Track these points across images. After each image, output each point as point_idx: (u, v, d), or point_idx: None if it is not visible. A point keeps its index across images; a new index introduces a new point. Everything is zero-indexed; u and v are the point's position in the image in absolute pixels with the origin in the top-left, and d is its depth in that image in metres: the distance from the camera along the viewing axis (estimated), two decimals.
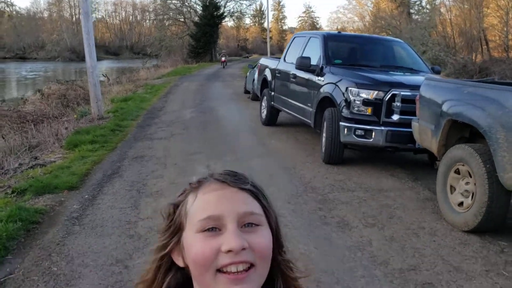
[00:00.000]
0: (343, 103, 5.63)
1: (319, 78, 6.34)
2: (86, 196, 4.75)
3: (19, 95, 21.70)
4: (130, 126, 8.81)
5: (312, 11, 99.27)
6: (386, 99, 5.37)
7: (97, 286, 2.93)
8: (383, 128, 5.39)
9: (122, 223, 3.98)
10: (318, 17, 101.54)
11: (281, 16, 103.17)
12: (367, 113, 5.47)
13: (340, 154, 5.91)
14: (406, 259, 3.38)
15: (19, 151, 7.48)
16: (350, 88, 5.56)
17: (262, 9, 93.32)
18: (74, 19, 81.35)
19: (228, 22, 57.41)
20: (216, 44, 47.08)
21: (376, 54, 6.94)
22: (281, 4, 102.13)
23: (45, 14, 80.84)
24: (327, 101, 6.04)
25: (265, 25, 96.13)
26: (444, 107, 4.18)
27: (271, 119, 8.71)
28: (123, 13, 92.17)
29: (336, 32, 7.75)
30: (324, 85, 6.15)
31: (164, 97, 14.42)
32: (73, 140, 7.29)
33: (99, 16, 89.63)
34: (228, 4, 52.13)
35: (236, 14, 52.80)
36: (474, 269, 3.25)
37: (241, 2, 51.75)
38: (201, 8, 47.39)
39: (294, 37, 8.12)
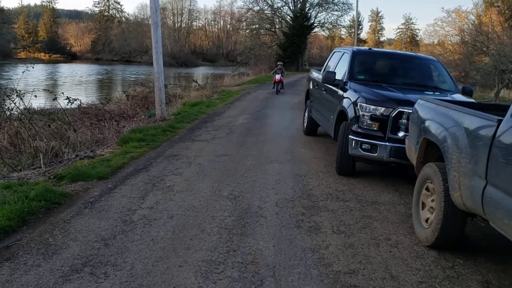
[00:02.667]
0: (354, 117, 5.88)
1: (342, 92, 6.61)
2: (110, 186, 5.50)
3: (115, 94, 23.92)
4: (183, 128, 9.62)
5: (412, 23, 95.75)
6: (393, 115, 5.54)
7: (75, 256, 3.58)
8: (387, 143, 5.56)
9: (123, 210, 4.64)
10: (418, 29, 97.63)
11: (379, 27, 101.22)
12: (374, 128, 5.67)
13: (350, 166, 6.14)
14: (351, 264, 3.64)
15: (84, 144, 8.58)
16: (359, 103, 5.80)
17: (359, 19, 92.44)
18: (176, 26, 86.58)
19: (321, 32, 57.40)
20: (304, 54, 47.62)
21: (402, 72, 7.04)
22: (379, 15, 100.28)
23: (150, 21, 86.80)
24: (343, 115, 6.31)
25: (361, 35, 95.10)
26: (423, 126, 4.33)
27: (311, 129, 9.04)
28: (222, 22, 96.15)
29: (367, 48, 7.91)
30: (343, 99, 6.41)
31: (231, 103, 15.23)
32: (125, 137, 8.20)
33: (200, 25, 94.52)
34: (319, 14, 52.58)
35: (326, 24, 52.98)
36: (410, 279, 3.43)
37: (333, 12, 51.71)
38: (291, 19, 48.26)
39: (334, 52, 8.40)
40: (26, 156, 7.56)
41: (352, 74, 6.74)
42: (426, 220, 4.10)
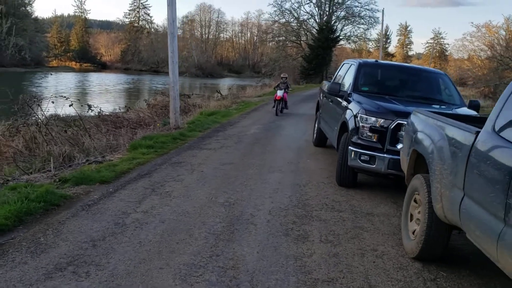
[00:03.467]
0: (354, 129, 5.89)
1: (345, 103, 6.64)
2: (110, 190, 5.65)
3: (138, 103, 24.41)
4: (194, 137, 9.77)
5: (441, 38, 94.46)
6: (392, 127, 5.54)
7: (61, 255, 3.70)
8: (385, 155, 5.55)
9: (118, 213, 4.77)
10: (447, 44, 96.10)
11: (407, 41, 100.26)
12: (373, 140, 5.67)
13: (351, 178, 6.14)
14: (331, 272, 3.65)
15: (97, 150, 8.81)
16: (360, 115, 5.81)
17: (387, 33, 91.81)
18: (203, 38, 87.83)
19: (347, 45, 57.22)
20: (329, 66, 47.54)
21: (408, 84, 7.02)
22: (408, 29, 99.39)
23: (179, 32, 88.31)
24: (345, 126, 6.32)
25: (389, 49, 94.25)
26: (413, 137, 4.33)
27: (320, 140, 9.05)
28: (248, 34, 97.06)
29: (374, 60, 7.90)
30: (346, 110, 6.43)
31: (247, 113, 15.36)
32: (135, 144, 8.39)
33: (227, 36, 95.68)
34: (345, 27, 52.51)
35: (352, 37, 52.84)
36: None
37: (359, 26, 51.56)
38: (317, 31, 48.36)
39: (343, 63, 8.43)
40: (39, 159, 7.82)
41: (356, 86, 6.77)
42: (413, 232, 4.08)
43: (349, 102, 6.52)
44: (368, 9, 50.18)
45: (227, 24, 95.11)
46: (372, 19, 50.61)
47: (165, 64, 79.31)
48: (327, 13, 51.28)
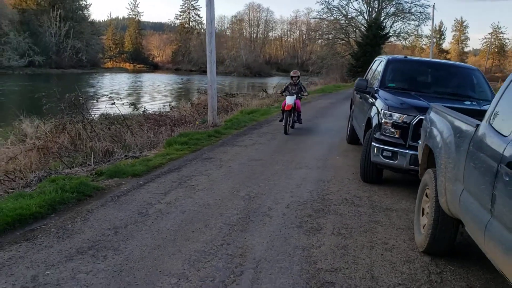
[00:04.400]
0: (377, 125, 5.91)
1: (372, 100, 6.65)
2: (140, 182, 5.98)
3: (182, 102, 25.05)
4: (228, 134, 10.02)
5: (501, 32, 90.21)
6: (414, 123, 5.51)
7: (85, 240, 4.02)
8: (407, 151, 5.53)
9: (143, 204, 5.06)
10: (507, 39, 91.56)
11: (463, 37, 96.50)
12: (396, 136, 5.66)
13: (374, 174, 6.15)
14: (336, 263, 3.75)
15: (137, 146, 9.25)
16: (383, 110, 5.82)
17: (442, 29, 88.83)
18: (252, 37, 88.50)
19: (397, 42, 55.86)
20: None
21: (436, 80, 6.90)
22: (464, 24, 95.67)
23: (228, 32, 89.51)
24: (370, 122, 6.34)
25: (444, 45, 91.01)
26: (427, 132, 4.33)
27: (353, 137, 9.04)
28: (297, 32, 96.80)
29: (403, 56, 7.79)
30: (372, 106, 6.45)
31: None
32: (170, 140, 8.74)
33: (275, 35, 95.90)
34: (395, 24, 51.32)
35: (402, 34, 51.51)
36: (389, 281, 3.48)
37: (409, 22, 50.21)
38: (365, 28, 47.56)
39: (375, 60, 8.39)
40: (81, 155, 8.33)
41: (383, 82, 6.75)
42: (424, 226, 4.10)
43: (375, 98, 6.52)
44: (419, 5, 48.71)
45: (276, 23, 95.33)
46: (423, 15, 49.07)
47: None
48: (376, 9, 50.28)
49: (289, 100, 10.29)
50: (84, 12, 64.36)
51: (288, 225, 4.55)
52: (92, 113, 11.69)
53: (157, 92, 38.59)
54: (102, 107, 13.59)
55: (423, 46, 76.76)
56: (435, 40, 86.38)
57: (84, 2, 63.62)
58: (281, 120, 10.62)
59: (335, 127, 11.77)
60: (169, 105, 16.92)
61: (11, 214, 4.35)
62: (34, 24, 53.29)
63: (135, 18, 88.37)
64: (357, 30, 51.78)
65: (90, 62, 59.96)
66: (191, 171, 6.60)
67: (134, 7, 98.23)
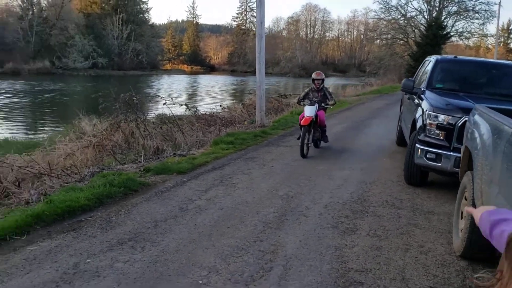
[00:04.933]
0: (422, 126, 5.77)
1: (418, 101, 6.50)
2: (184, 179, 6.18)
3: (235, 103, 25.41)
4: (275, 134, 10.10)
5: None
6: (459, 124, 5.34)
7: (126, 232, 4.24)
8: (452, 153, 5.37)
9: (184, 199, 5.25)
10: None
11: None
12: (440, 138, 5.51)
13: (418, 176, 6.01)
14: (367, 264, 3.73)
15: (187, 145, 9.54)
16: (427, 111, 5.68)
17: (510, 27, 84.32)
18: (308, 37, 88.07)
19: (459, 41, 53.65)
20: None
21: (488, 81, 6.63)
22: None
23: (284, 33, 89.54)
24: (415, 124, 6.20)
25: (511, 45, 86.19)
26: (468, 134, 4.21)
27: (401, 139, 8.84)
28: (355, 32, 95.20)
29: (453, 56, 7.51)
30: (418, 107, 6.30)
31: (338, 112, 15.30)
32: (217, 140, 8.95)
33: (332, 35, 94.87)
34: (457, 23, 49.37)
35: (465, 33, 49.43)
36: (420, 284, 3.43)
37: (473, 21, 48.10)
38: (424, 28, 46.07)
39: (425, 60, 8.16)
40: (133, 152, 8.71)
41: (430, 83, 6.58)
42: (462, 230, 3.98)
43: (421, 99, 6.37)
44: (483, 3, 46.54)
45: (333, 23, 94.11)
46: (488, 13, 46.79)
47: (269, 65, 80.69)
48: (437, 8, 48.58)
49: (309, 111, 7.67)
50: (145, 15, 66.68)
51: (323, 225, 4.56)
52: (149, 113, 12.18)
53: (212, 93, 39.34)
54: (160, 108, 14.08)
55: (489, 46, 73.11)
56: (502, 39, 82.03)
57: (145, 6, 65.83)
58: (298, 138, 7.94)
59: (386, 128, 11.54)
60: (220, 105, 17.17)
61: (61, 206, 4.65)
62: (98, 28, 55.87)
63: (193, 20, 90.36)
64: (416, 30, 50.22)
65: (150, 64, 61.96)
66: (233, 169, 6.74)
67: (193, 9, 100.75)
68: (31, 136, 15.23)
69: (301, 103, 8.33)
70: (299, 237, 4.22)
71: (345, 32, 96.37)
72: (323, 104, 8.20)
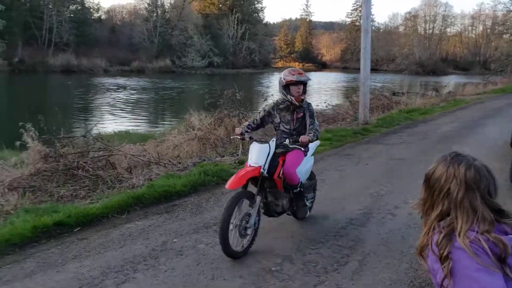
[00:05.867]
0: None
1: None
2: None
3: (342, 101, 25.08)
4: (377, 132, 9.84)
5: None
6: None
7: (212, 217, 4.49)
8: None
9: None
10: None
11: None
12: None
13: None
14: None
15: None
16: None
17: None
18: (426, 33, 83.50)
19: None
20: None
21: None
22: None
23: (400, 29, 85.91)
24: None
25: None
26: None
27: None
28: (480, 27, 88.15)
29: None
30: None
31: (451, 111, 14.44)
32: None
33: (454, 31, 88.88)
34: None
35: None
36: None
37: None
38: None
39: None
40: (233, 146, 9.09)
41: None
42: None
43: None
44: None
45: (455, 18, 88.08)
46: None
47: (384, 62, 77.83)
48: None
49: (255, 155, 3.94)
50: (259, 14, 68.50)
51: (410, 225, 4.40)
52: (253, 109, 12.58)
53: (322, 91, 39.16)
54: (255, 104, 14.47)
55: None
56: None
57: (259, 5, 67.70)
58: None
59: (502, 129, 10.58)
60: (325, 102, 17.10)
61: (160, 190, 5.08)
62: (214, 28, 58.60)
63: (306, 18, 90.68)
64: None
65: (262, 62, 63.55)
66: (325, 166, 6.74)
67: (306, 7, 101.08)
68: (150, 129, 16.57)
69: (246, 136, 4.28)
70: (381, 235, 4.14)
71: (469, 27, 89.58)
72: (300, 139, 3.98)
